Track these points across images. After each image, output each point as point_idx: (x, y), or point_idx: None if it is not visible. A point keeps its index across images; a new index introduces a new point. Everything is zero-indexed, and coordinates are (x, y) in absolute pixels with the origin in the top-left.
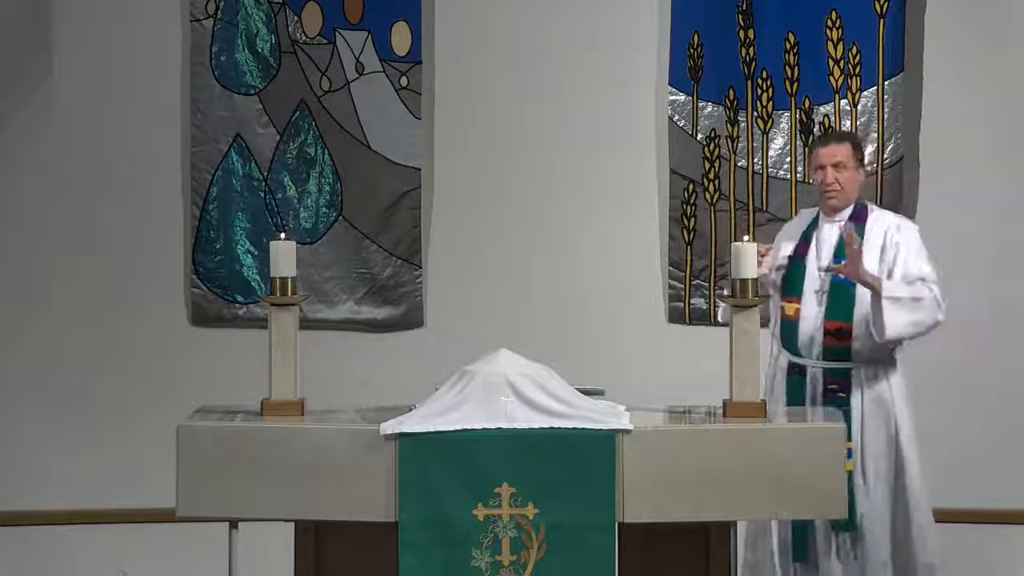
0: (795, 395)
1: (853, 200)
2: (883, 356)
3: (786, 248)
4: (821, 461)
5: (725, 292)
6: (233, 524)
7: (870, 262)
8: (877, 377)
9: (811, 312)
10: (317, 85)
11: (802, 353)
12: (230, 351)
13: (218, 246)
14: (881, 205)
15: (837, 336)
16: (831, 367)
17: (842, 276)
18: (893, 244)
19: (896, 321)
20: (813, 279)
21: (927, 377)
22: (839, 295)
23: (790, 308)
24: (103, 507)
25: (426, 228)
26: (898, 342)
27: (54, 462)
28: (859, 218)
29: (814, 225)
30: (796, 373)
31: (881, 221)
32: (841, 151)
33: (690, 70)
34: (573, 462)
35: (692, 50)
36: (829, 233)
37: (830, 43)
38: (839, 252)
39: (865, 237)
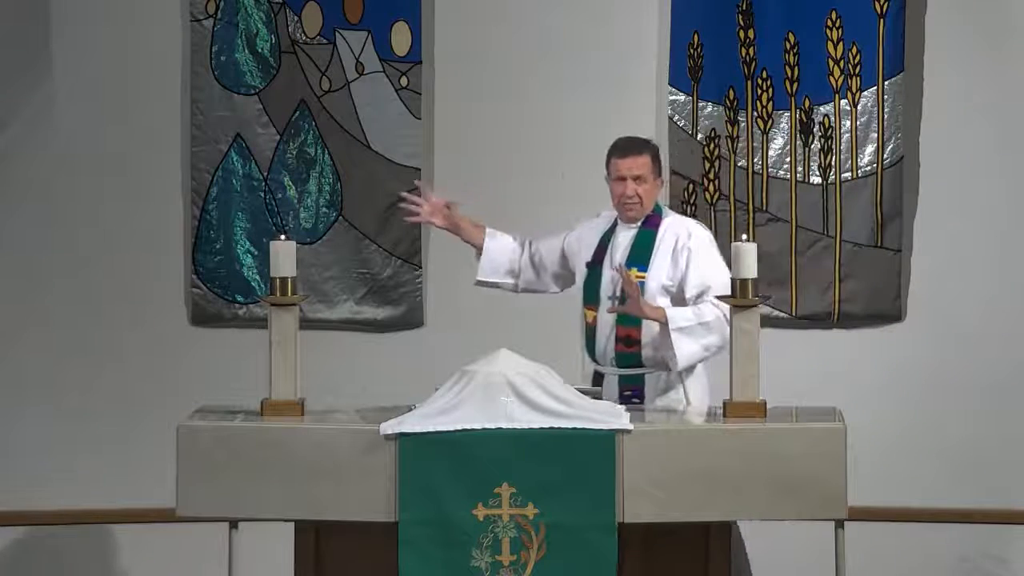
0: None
1: (650, 209)
2: (666, 353)
3: (586, 254)
4: (821, 461)
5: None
6: (233, 524)
7: (660, 268)
8: (672, 384)
9: (605, 319)
10: (317, 85)
11: (599, 360)
12: (230, 351)
13: (218, 246)
14: (881, 205)
15: (627, 343)
16: (625, 374)
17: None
18: (684, 250)
19: (687, 350)
20: (608, 286)
21: (925, 377)
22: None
23: (589, 315)
24: (103, 507)
25: (426, 228)
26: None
27: (55, 462)
28: (652, 223)
29: (611, 231)
30: (598, 381)
31: (673, 228)
32: (641, 163)
33: (690, 70)
34: (573, 462)
35: (692, 50)
36: (623, 239)
37: (830, 43)
38: (631, 257)
39: (656, 244)
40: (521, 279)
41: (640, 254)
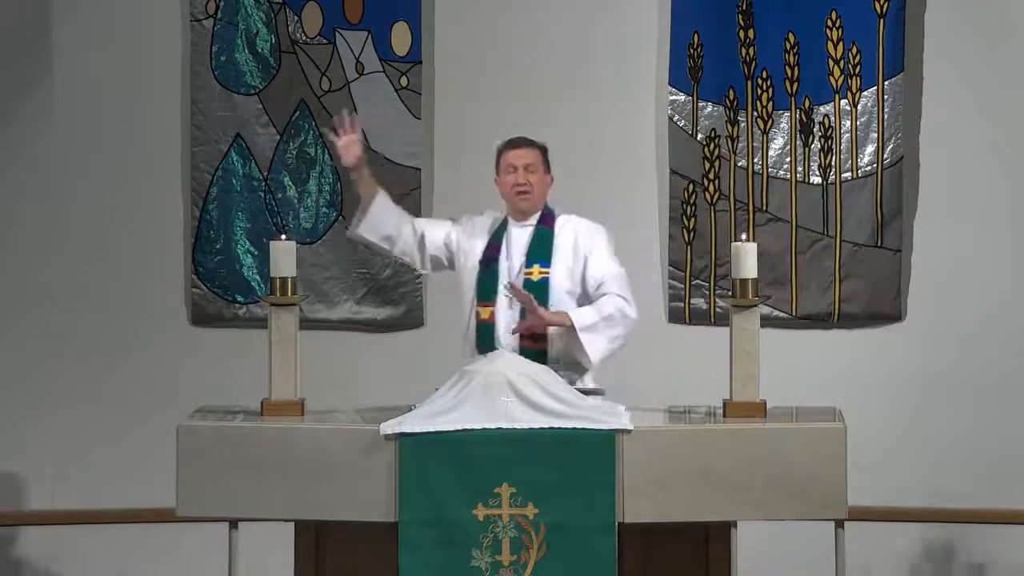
0: None
1: (542, 205)
2: (578, 354)
3: (476, 249)
4: (821, 461)
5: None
6: (233, 524)
7: (563, 264)
8: (577, 374)
9: (506, 315)
10: (317, 85)
11: None
12: (230, 351)
13: (218, 246)
14: (881, 205)
15: (534, 339)
16: None
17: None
18: (585, 248)
19: (598, 347)
20: (505, 282)
21: (925, 377)
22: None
23: (485, 312)
24: (103, 507)
25: None
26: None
27: (55, 462)
28: (547, 223)
29: (503, 228)
30: None
31: (569, 226)
32: (531, 154)
33: (690, 70)
34: (573, 462)
35: (692, 50)
36: (519, 237)
37: (830, 43)
38: (531, 254)
39: (555, 241)
40: (397, 247)
41: (540, 251)
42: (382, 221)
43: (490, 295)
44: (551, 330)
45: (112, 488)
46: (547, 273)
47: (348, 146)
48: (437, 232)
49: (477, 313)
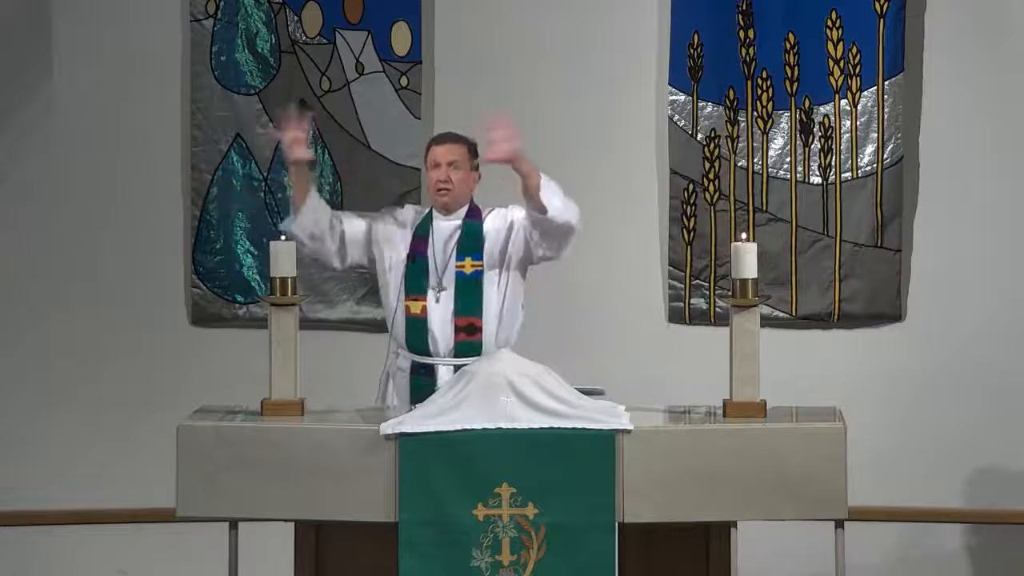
0: (422, 395)
1: (466, 201)
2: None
3: (401, 242)
4: (821, 461)
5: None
6: (233, 524)
7: (494, 246)
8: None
9: (437, 309)
10: (317, 85)
11: (431, 351)
12: (230, 351)
13: (218, 246)
14: (881, 205)
15: (469, 332)
16: (462, 364)
17: (501, 159)
18: (511, 216)
19: (554, 202)
20: (433, 276)
21: (925, 377)
22: (467, 291)
23: (416, 306)
24: (103, 507)
25: None
26: (568, 227)
27: (54, 462)
28: (475, 216)
29: (428, 222)
30: (421, 373)
31: (496, 215)
32: (456, 151)
33: (690, 70)
34: (573, 462)
35: (692, 50)
36: (446, 230)
37: (830, 43)
38: (462, 248)
39: (485, 232)
40: (318, 247)
41: (470, 244)
42: (310, 223)
43: (420, 289)
44: (486, 321)
45: (112, 488)
46: (479, 266)
47: (293, 143)
48: (357, 229)
49: (407, 307)
